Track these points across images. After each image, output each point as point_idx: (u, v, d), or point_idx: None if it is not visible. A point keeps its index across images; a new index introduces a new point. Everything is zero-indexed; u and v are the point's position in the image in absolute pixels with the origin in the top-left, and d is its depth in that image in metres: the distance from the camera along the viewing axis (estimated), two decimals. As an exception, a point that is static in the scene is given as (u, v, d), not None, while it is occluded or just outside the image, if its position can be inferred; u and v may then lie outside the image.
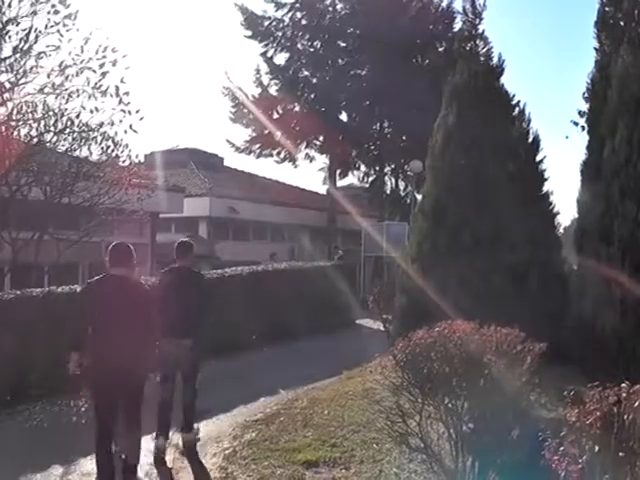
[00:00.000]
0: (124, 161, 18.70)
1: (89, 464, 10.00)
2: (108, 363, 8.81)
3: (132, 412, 9.41)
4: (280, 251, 41.66)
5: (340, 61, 50.04)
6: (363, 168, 54.09)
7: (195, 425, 11.53)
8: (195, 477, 9.68)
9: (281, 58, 50.22)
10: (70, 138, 17.44)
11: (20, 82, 16.23)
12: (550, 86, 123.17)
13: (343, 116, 51.79)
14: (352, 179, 56.23)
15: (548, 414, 10.24)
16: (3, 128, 16.21)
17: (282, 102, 50.03)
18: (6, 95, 16.31)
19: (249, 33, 49.36)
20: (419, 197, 22.47)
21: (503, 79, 15.52)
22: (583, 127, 14.90)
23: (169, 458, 10.42)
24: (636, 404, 5.15)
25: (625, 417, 5.10)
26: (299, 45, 50.26)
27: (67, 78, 16.48)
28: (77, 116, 17.16)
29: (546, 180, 15.29)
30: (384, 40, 43.72)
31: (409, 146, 46.51)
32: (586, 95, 15.25)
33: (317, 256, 38.19)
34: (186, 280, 11.71)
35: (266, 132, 49.52)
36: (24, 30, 15.93)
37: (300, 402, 13.35)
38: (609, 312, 11.74)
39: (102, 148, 18.00)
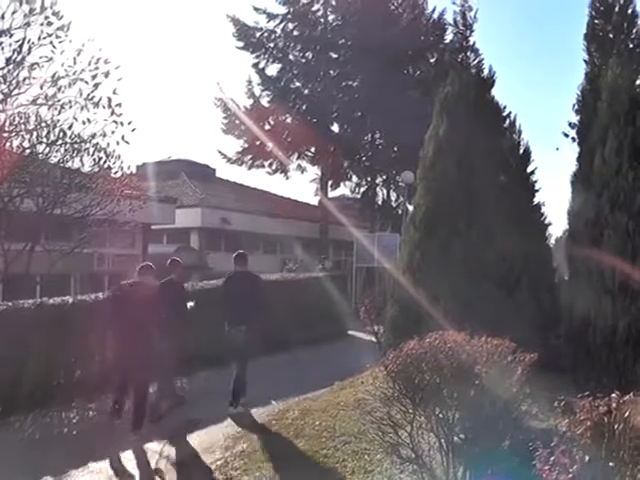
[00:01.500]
0: (116, 172, 18.70)
1: (80, 476, 10.03)
2: None
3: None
4: (272, 262, 41.68)
5: (332, 72, 50.07)
6: (355, 179, 54.12)
7: (242, 400, 14.17)
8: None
9: (273, 69, 50.33)
10: (62, 149, 17.43)
11: (13, 93, 16.24)
12: (541, 98, 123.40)
13: (335, 127, 51.83)
14: (344, 190, 56.26)
15: (539, 424, 10.24)
16: (-4, 139, 16.23)
17: (274, 113, 50.05)
18: (-1, 106, 16.34)
19: (241, 44, 49.42)
20: (411, 208, 22.51)
21: (494, 91, 15.61)
22: (573, 138, 14.96)
23: (161, 469, 10.42)
24: (626, 414, 5.18)
25: (615, 427, 5.14)
26: (291, 56, 50.34)
27: (60, 89, 16.50)
28: (69, 127, 17.18)
29: (537, 191, 15.36)
30: (375, 51, 43.80)
31: (401, 157, 46.61)
32: (576, 107, 15.32)
33: (309, 267, 38.19)
34: (244, 281, 15.00)
35: (258, 143, 49.50)
36: (17, 41, 15.95)
37: (291, 413, 13.34)
38: (600, 322, 11.78)
39: (94, 159, 18.00)
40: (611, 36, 15.27)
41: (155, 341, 12.78)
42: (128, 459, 10.93)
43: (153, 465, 10.63)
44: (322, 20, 49.95)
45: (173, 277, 15.63)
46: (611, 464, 5.02)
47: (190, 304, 15.53)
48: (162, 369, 14.09)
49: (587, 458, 5.08)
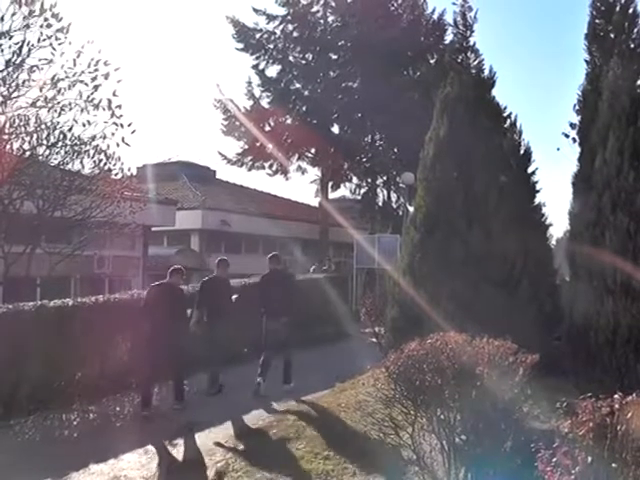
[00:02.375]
0: (116, 174, 18.71)
1: (81, 478, 10.01)
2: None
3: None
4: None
5: (332, 73, 50.08)
6: (355, 180, 54.10)
7: (292, 379, 16.27)
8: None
9: (272, 70, 50.34)
10: (62, 151, 17.45)
11: (12, 95, 16.24)
12: (541, 98, 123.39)
13: (335, 128, 51.83)
14: (344, 191, 56.21)
15: (541, 425, 10.22)
16: (-4, 142, 16.22)
17: (274, 114, 50.04)
18: (-1, 109, 16.33)
19: (240, 46, 49.43)
20: (411, 209, 22.47)
21: (494, 91, 15.58)
22: (574, 139, 14.88)
23: (161, 471, 10.39)
24: (629, 415, 5.16)
25: (618, 428, 5.11)
26: (290, 57, 50.35)
27: (59, 91, 16.51)
28: (69, 129, 17.20)
29: (538, 192, 15.34)
30: (375, 52, 43.84)
31: (401, 158, 46.57)
32: (577, 107, 15.25)
33: (309, 268, 38.17)
34: (279, 279, 16.81)
35: (258, 144, 49.49)
36: (17, 44, 15.96)
37: (292, 414, 13.34)
38: (601, 323, 11.75)
39: (94, 161, 18.02)
40: (612, 36, 15.16)
41: (185, 331, 15.20)
42: (128, 461, 10.91)
43: (154, 467, 10.59)
44: (322, 21, 49.98)
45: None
46: (614, 465, 5.01)
47: (234, 297, 16.81)
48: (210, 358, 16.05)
49: (589, 459, 5.06)
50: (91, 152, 17.82)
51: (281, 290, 16.27)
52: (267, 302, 16.35)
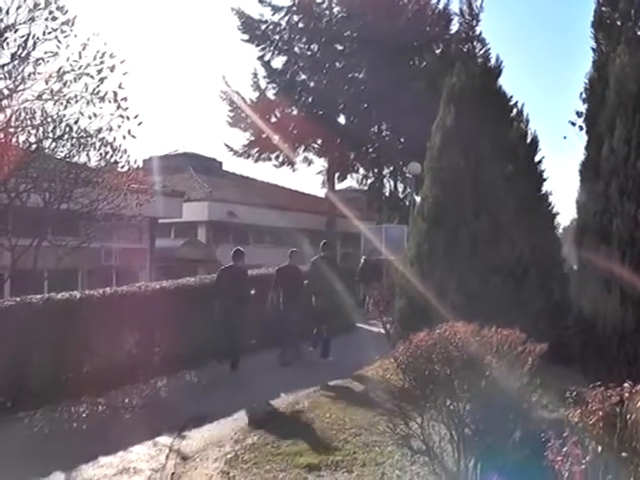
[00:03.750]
0: (123, 166, 18.67)
1: (90, 470, 10.02)
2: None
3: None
4: (279, 255, 41.68)
5: (337, 64, 50.01)
6: (362, 171, 54.03)
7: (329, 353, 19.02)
8: (197, 482, 9.66)
9: (278, 62, 50.29)
10: (69, 144, 17.41)
11: (18, 89, 16.21)
12: (548, 86, 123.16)
13: (341, 119, 51.76)
14: (351, 182, 56.17)
15: (550, 415, 10.23)
16: (2, 135, 16.17)
17: (280, 106, 50.02)
18: (4, 102, 16.28)
19: (246, 37, 49.38)
20: (418, 199, 22.45)
21: (501, 80, 15.53)
22: (581, 127, 14.83)
23: (170, 463, 10.40)
24: (638, 404, 5.14)
25: (628, 417, 5.10)
26: (296, 48, 50.26)
27: (65, 84, 16.46)
28: (75, 122, 17.15)
29: (545, 180, 15.30)
30: (381, 43, 43.73)
31: (407, 148, 46.45)
32: (584, 95, 15.20)
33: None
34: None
35: (264, 136, 49.45)
36: (22, 37, 15.92)
37: (301, 405, 13.35)
38: (609, 312, 11.73)
39: (101, 154, 17.97)
40: (619, 24, 15.10)
41: (250, 306, 17.87)
42: (137, 453, 10.92)
43: (163, 459, 10.60)
44: (327, 12, 49.90)
45: (291, 263, 20.18)
46: (624, 454, 4.99)
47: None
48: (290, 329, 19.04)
49: (599, 448, 5.05)
50: (97, 145, 17.78)
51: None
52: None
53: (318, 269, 19.87)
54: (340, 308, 20.79)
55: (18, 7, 15.68)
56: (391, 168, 53.72)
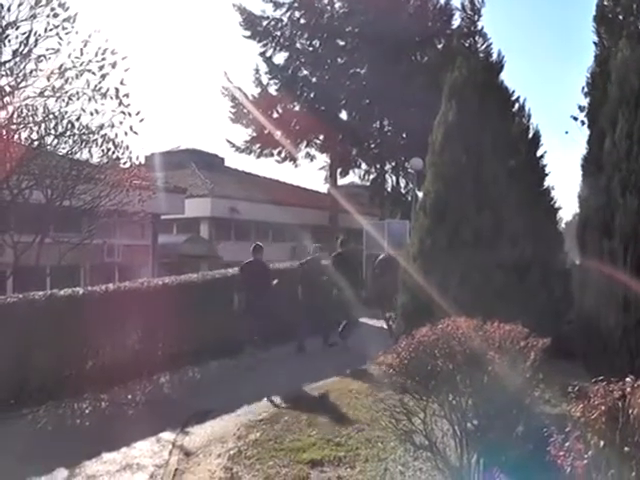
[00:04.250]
0: (125, 163, 18.68)
1: (94, 466, 10.03)
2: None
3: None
4: (282, 250, 41.70)
5: (339, 60, 50.02)
6: (364, 166, 54.10)
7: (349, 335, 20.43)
8: (200, 477, 9.65)
9: (280, 58, 50.36)
10: (71, 141, 17.42)
11: (20, 85, 16.23)
12: (550, 81, 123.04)
13: (343, 115, 51.82)
14: (353, 177, 56.25)
15: (552, 410, 10.23)
16: (4, 132, 16.18)
17: (282, 101, 50.06)
18: (6, 99, 16.30)
19: (248, 33, 49.42)
20: (420, 194, 22.46)
21: (502, 75, 15.53)
22: (583, 122, 14.86)
23: (173, 459, 10.41)
24: (641, 398, 5.14)
25: (630, 412, 5.09)
26: (298, 44, 50.30)
27: (67, 81, 16.47)
28: (77, 119, 17.17)
29: (547, 175, 15.33)
30: (383, 38, 43.73)
31: (409, 143, 46.44)
32: (586, 90, 15.22)
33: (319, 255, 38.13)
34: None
35: (266, 132, 49.52)
36: (24, 34, 15.94)
37: (304, 401, 13.34)
38: (612, 306, 11.73)
39: (103, 150, 17.98)
40: (621, 18, 15.11)
41: (272, 297, 18.85)
42: (140, 449, 10.94)
43: (166, 455, 10.61)
44: (329, 8, 49.92)
45: (312, 258, 21.84)
46: (626, 449, 4.99)
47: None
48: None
49: (602, 443, 5.04)
50: (99, 141, 17.79)
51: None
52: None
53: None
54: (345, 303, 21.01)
55: (20, 4, 15.72)
56: (393, 163, 53.79)
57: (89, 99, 16.98)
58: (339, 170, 53.26)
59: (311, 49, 50.42)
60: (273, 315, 18.74)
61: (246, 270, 19.24)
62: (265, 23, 49.38)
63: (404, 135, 50.50)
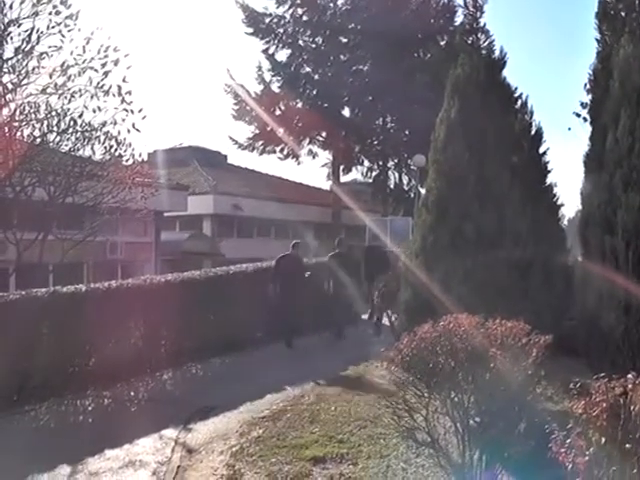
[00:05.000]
0: (127, 160, 18.66)
1: (96, 463, 10.04)
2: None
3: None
4: (285, 247, 41.80)
5: (342, 57, 50.06)
6: (366, 163, 54.19)
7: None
8: (203, 474, 9.66)
9: (282, 55, 50.43)
10: (73, 138, 17.40)
11: (22, 83, 16.21)
12: (552, 76, 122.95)
13: (345, 112, 51.88)
14: (355, 174, 56.34)
15: (554, 406, 10.24)
16: (6, 129, 16.18)
17: (284, 98, 50.10)
18: (9, 96, 16.28)
19: (250, 30, 49.47)
20: (423, 191, 22.49)
21: (505, 72, 15.52)
22: (585, 118, 14.86)
23: (176, 456, 10.42)
24: (642, 395, 5.14)
25: (631, 408, 5.09)
26: (300, 41, 50.33)
27: (69, 78, 16.44)
28: (80, 116, 17.13)
29: (549, 172, 15.31)
30: (385, 35, 43.76)
31: (412, 140, 46.53)
32: (588, 86, 15.22)
33: (321, 252, 38.16)
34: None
35: (269, 129, 49.55)
36: (26, 31, 15.91)
37: (306, 398, 13.34)
38: (613, 303, 11.74)
39: (105, 147, 17.95)
40: (623, 14, 15.08)
41: (304, 289, 20.40)
42: (143, 446, 10.95)
43: (169, 452, 10.62)
44: (331, 5, 49.93)
45: (341, 251, 22.88)
46: (628, 446, 4.99)
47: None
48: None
49: (603, 440, 5.04)
50: (102, 138, 17.75)
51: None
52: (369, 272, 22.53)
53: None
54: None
55: (22, 1, 15.69)
56: (396, 160, 53.85)
57: (91, 96, 16.95)
58: (342, 167, 53.31)
59: (314, 46, 50.46)
60: (304, 306, 20.59)
61: (281, 263, 20.63)
62: (267, 20, 49.43)
63: (407, 132, 50.57)
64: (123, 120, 17.49)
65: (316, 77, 50.34)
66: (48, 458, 10.21)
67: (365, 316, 23.94)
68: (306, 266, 22.15)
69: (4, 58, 16.07)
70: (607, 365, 8.74)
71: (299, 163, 53.67)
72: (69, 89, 16.59)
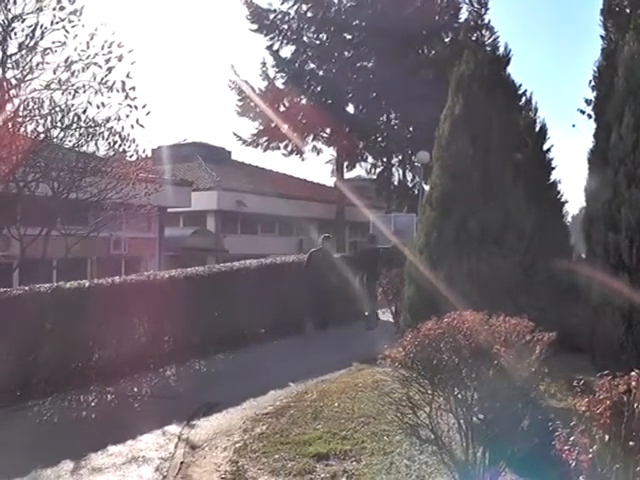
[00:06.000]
0: (131, 156, 18.72)
1: (100, 459, 10.04)
2: None
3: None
4: (288, 243, 41.76)
5: (346, 53, 50.06)
6: (370, 160, 54.17)
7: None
8: (206, 470, 9.66)
9: (287, 51, 50.45)
10: (77, 134, 17.43)
11: (26, 78, 16.23)
12: (557, 75, 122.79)
13: (350, 108, 51.94)
14: (360, 171, 56.36)
15: (558, 404, 10.23)
16: (10, 124, 16.20)
17: (288, 95, 50.12)
18: (13, 91, 16.31)
19: (255, 27, 49.48)
20: (427, 188, 22.48)
21: (509, 68, 15.50)
22: (590, 115, 14.83)
23: (179, 452, 10.42)
24: (646, 393, 5.13)
25: (635, 406, 5.08)
26: (305, 38, 50.32)
27: (73, 74, 16.47)
28: (84, 112, 17.17)
29: (553, 169, 15.28)
30: (390, 32, 43.74)
31: (416, 137, 46.53)
32: (592, 83, 15.17)
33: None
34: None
35: (273, 125, 49.59)
36: (30, 27, 15.94)
37: (310, 395, 13.32)
38: (618, 300, 11.71)
39: (109, 143, 18.00)
40: (628, 11, 15.04)
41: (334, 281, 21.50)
42: (146, 442, 10.95)
43: (172, 448, 10.62)
44: (336, 1, 49.93)
45: (371, 247, 25.55)
46: (631, 443, 4.98)
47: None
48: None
49: (607, 438, 5.03)
50: (105, 134, 17.80)
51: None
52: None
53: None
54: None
55: (26, -3, 15.72)
56: (400, 157, 53.87)
57: (95, 92, 16.99)
58: (346, 163, 53.36)
59: (318, 42, 50.47)
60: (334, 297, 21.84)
61: (314, 256, 22.19)
62: (272, 16, 49.43)
63: (411, 128, 50.59)
64: (127, 116, 17.56)
65: (320, 73, 50.37)
66: (51, 454, 10.21)
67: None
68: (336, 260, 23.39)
69: (8, 54, 16.11)
70: (611, 362, 8.71)
71: (303, 159, 53.76)
72: (73, 85, 16.63)
